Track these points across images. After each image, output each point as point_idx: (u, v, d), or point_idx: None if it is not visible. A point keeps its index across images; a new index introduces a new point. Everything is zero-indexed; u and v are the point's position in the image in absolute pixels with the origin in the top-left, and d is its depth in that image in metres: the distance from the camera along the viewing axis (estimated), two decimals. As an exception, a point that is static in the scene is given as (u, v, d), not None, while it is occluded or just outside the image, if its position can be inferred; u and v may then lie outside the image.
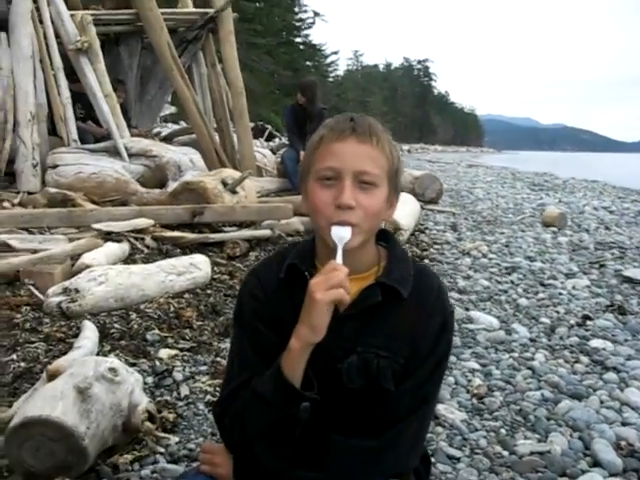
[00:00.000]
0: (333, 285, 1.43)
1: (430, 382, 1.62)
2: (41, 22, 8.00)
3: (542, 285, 5.93)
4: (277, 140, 20.60)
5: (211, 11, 9.73)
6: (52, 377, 2.47)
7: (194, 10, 10.51)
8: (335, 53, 79.91)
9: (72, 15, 8.33)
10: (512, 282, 6.00)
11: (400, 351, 1.59)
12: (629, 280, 6.16)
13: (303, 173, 1.62)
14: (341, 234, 1.50)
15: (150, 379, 3.19)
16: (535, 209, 11.80)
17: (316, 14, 65.89)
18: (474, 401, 3.36)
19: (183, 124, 16.62)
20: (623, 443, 2.91)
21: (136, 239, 5.31)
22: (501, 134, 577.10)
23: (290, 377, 1.50)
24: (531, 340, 4.41)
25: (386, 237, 1.72)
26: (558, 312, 5.07)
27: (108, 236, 5.16)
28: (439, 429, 2.96)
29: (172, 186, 7.16)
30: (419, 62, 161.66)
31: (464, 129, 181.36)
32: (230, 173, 7.07)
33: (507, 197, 14.36)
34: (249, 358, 1.64)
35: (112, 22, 9.36)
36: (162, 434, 2.65)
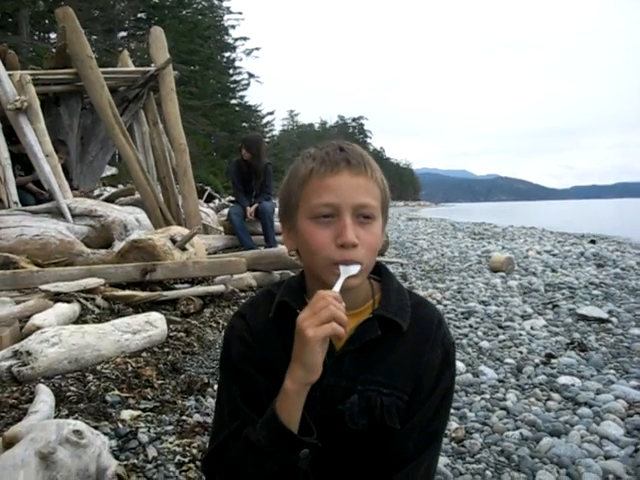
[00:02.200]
0: (324, 319, 1.31)
1: (437, 417, 1.53)
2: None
3: (500, 327, 6.01)
4: (217, 201, 20.51)
5: (152, 69, 9.70)
6: (9, 445, 2.28)
7: (135, 69, 10.50)
8: (271, 113, 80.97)
9: (10, 75, 8.22)
10: (471, 326, 6.05)
11: (403, 387, 1.50)
12: (584, 318, 6.31)
13: (288, 209, 1.53)
14: (348, 270, 1.41)
15: (114, 442, 3.00)
16: (480, 256, 11.98)
17: (251, 75, 66.98)
18: (454, 444, 3.30)
19: (122, 187, 16.43)
20: (611, 476, 2.93)
21: (86, 299, 5.10)
22: (437, 187, 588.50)
23: (287, 422, 1.38)
24: (499, 381, 4.42)
25: (378, 270, 1.63)
26: (521, 352, 5.13)
27: (57, 297, 4.95)
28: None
29: (119, 246, 6.97)
30: (353, 120, 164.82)
31: (401, 184, 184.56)
32: (178, 230, 6.95)
33: (451, 246, 14.57)
34: (239, 406, 1.52)
35: (51, 82, 9.27)
36: (133, 499, 2.48)
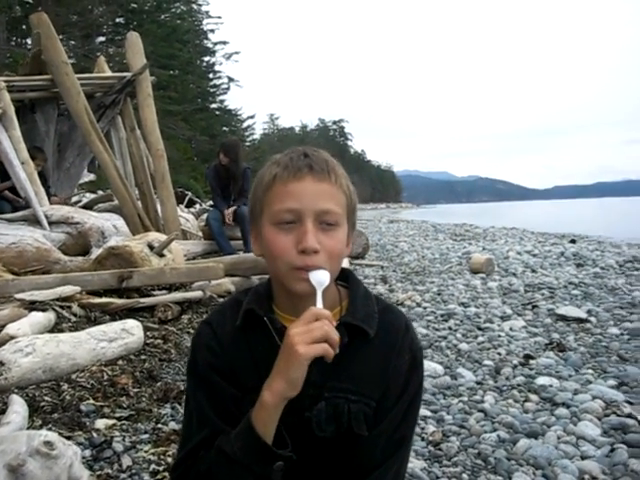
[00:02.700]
0: (317, 338, 1.29)
1: (405, 423, 1.51)
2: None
3: (480, 329, 6.01)
4: (197, 206, 20.46)
5: (128, 75, 9.66)
6: (-20, 457, 2.26)
7: (111, 75, 10.45)
8: (251, 117, 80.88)
9: (-16, 82, 8.14)
10: (450, 328, 6.06)
11: (371, 393, 1.48)
12: (563, 318, 6.35)
13: (254, 215, 1.51)
14: (319, 278, 1.38)
15: (88, 452, 2.97)
16: (461, 257, 12.02)
17: (230, 80, 66.89)
18: (431, 448, 3.30)
19: (101, 193, 16.34)
20: (587, 477, 2.94)
21: (62, 307, 5.05)
22: (418, 189, 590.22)
23: (263, 434, 1.35)
24: (477, 383, 4.43)
25: (345, 276, 1.62)
26: (500, 354, 5.13)
27: (32, 306, 4.90)
28: None
29: (96, 253, 6.93)
30: (334, 123, 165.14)
31: (382, 186, 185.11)
32: (156, 236, 6.91)
33: (432, 248, 14.60)
34: (207, 414, 1.50)
35: (27, 88, 9.21)
36: (106, 510, 2.45)
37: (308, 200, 1.40)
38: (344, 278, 1.61)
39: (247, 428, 1.37)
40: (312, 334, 1.30)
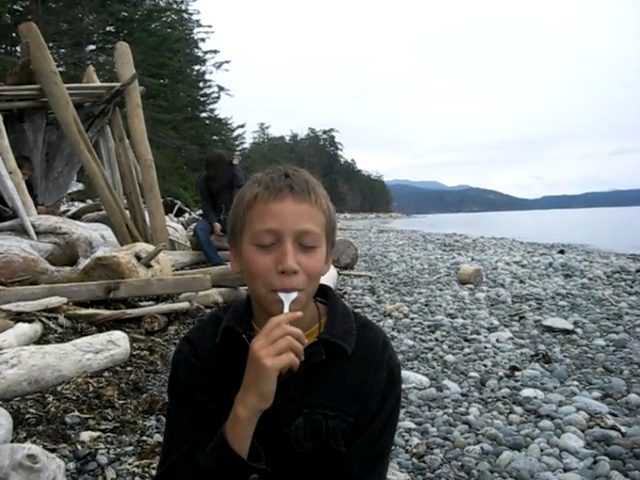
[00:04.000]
0: (282, 349, 1.32)
1: (383, 438, 1.53)
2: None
3: (466, 340, 6.02)
4: (187, 215, 20.45)
5: (118, 85, 9.66)
6: (-38, 470, 2.26)
7: (100, 85, 10.45)
8: (241, 127, 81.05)
9: (-28, 92, 8.13)
10: (436, 339, 6.07)
11: (348, 409, 1.50)
12: (549, 329, 6.38)
13: (234, 232, 1.52)
14: (288, 296, 1.41)
15: (72, 464, 2.97)
16: (450, 268, 12.04)
17: (221, 89, 67.01)
18: (414, 460, 3.31)
19: (90, 202, 16.32)
20: None
21: (48, 318, 5.04)
22: (408, 199, 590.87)
23: (237, 448, 1.37)
24: (463, 395, 4.44)
25: (324, 292, 1.63)
26: (486, 365, 5.15)
27: (18, 317, 4.89)
28: (382, 493, 2.87)
29: (84, 263, 6.92)
30: (324, 132, 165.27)
31: (372, 196, 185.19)
32: (143, 247, 6.91)
33: (421, 258, 14.62)
34: (188, 430, 1.51)
35: (15, 98, 9.18)
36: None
37: (288, 220, 1.42)
38: (323, 294, 1.63)
39: (221, 442, 1.38)
40: (276, 346, 1.32)
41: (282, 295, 1.40)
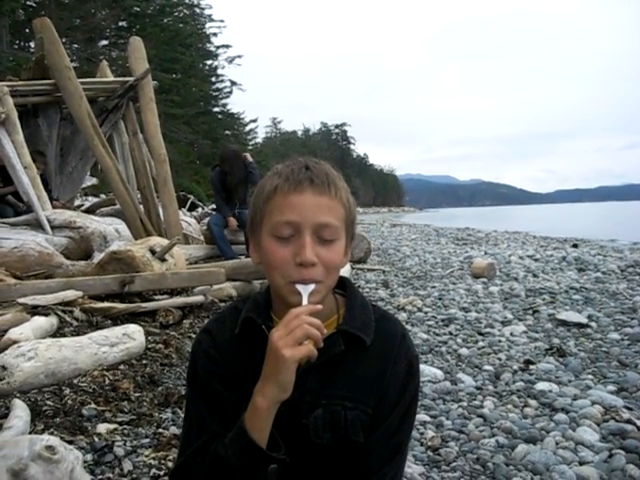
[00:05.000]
0: (299, 339, 1.32)
1: (401, 430, 1.54)
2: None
3: (480, 334, 6.01)
4: (200, 210, 20.44)
5: (131, 79, 9.68)
6: (-18, 462, 2.28)
7: (114, 79, 10.47)
8: (254, 121, 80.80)
9: (-13, 87, 8.17)
10: (450, 333, 6.06)
11: (367, 400, 1.50)
12: (563, 323, 6.35)
13: (253, 223, 1.53)
14: (306, 288, 1.41)
15: (89, 456, 2.99)
16: (463, 262, 12.02)
17: (233, 83, 66.91)
18: (429, 453, 3.32)
19: (104, 197, 16.35)
20: None
21: (64, 312, 5.07)
22: (421, 193, 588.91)
23: (256, 438, 1.38)
24: (477, 388, 4.43)
25: (342, 284, 1.64)
26: (500, 359, 5.14)
27: (34, 310, 4.92)
28: (397, 485, 2.88)
29: (98, 257, 6.95)
30: (337, 126, 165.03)
31: (384, 190, 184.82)
32: (158, 241, 6.92)
33: (434, 252, 14.60)
34: (206, 421, 1.52)
35: (30, 93, 9.21)
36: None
37: (307, 213, 1.42)
38: (341, 286, 1.63)
39: (240, 432, 1.39)
40: (294, 335, 1.32)
41: (300, 287, 1.41)
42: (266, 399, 1.37)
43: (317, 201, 1.43)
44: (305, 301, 1.40)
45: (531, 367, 4.91)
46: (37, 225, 7.49)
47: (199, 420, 1.55)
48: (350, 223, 1.52)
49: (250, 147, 70.40)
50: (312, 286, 1.41)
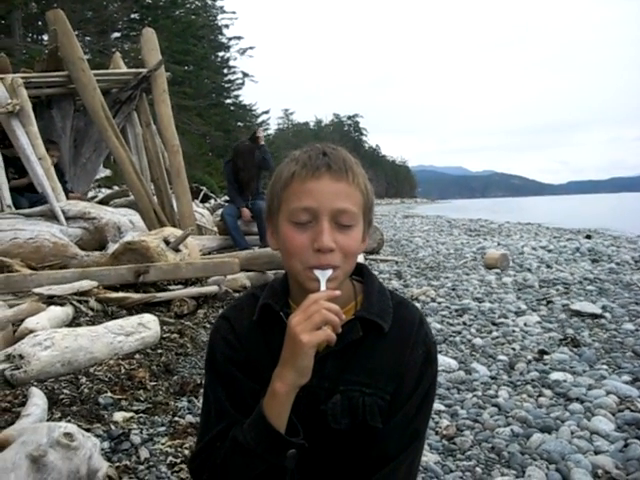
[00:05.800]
0: (318, 324, 1.32)
1: (419, 416, 1.54)
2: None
3: (494, 324, 6.01)
4: (212, 201, 20.45)
5: (144, 71, 9.69)
6: (1, 448, 2.29)
7: (127, 70, 10.49)
8: (266, 112, 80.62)
9: (2, 78, 8.22)
10: (464, 323, 6.06)
11: (385, 387, 1.51)
12: (577, 313, 6.33)
13: (271, 210, 1.53)
14: (324, 273, 1.42)
15: (106, 444, 3.01)
16: (476, 253, 12.00)
17: (245, 75, 66.75)
18: (444, 442, 3.32)
19: (117, 188, 16.39)
20: (600, 471, 2.95)
21: (80, 302, 5.10)
22: (433, 184, 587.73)
23: (275, 423, 1.39)
24: (492, 378, 4.44)
25: (360, 271, 1.64)
26: (514, 349, 5.14)
27: (50, 300, 4.95)
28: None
29: (112, 248, 6.98)
30: (349, 118, 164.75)
31: (397, 181, 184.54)
32: (172, 231, 6.94)
33: (447, 243, 14.58)
34: (225, 407, 1.54)
35: (43, 85, 9.24)
36: (125, 501, 2.49)
37: (325, 199, 1.42)
38: (359, 273, 1.63)
39: (259, 417, 1.40)
40: (312, 320, 1.33)
41: (318, 272, 1.41)
42: (285, 384, 1.38)
43: (335, 187, 1.43)
44: (323, 287, 1.41)
45: (545, 357, 4.91)
46: (52, 216, 7.52)
47: (218, 406, 1.56)
48: (368, 209, 1.52)
49: (262, 128, 70.25)
50: (330, 272, 1.41)
